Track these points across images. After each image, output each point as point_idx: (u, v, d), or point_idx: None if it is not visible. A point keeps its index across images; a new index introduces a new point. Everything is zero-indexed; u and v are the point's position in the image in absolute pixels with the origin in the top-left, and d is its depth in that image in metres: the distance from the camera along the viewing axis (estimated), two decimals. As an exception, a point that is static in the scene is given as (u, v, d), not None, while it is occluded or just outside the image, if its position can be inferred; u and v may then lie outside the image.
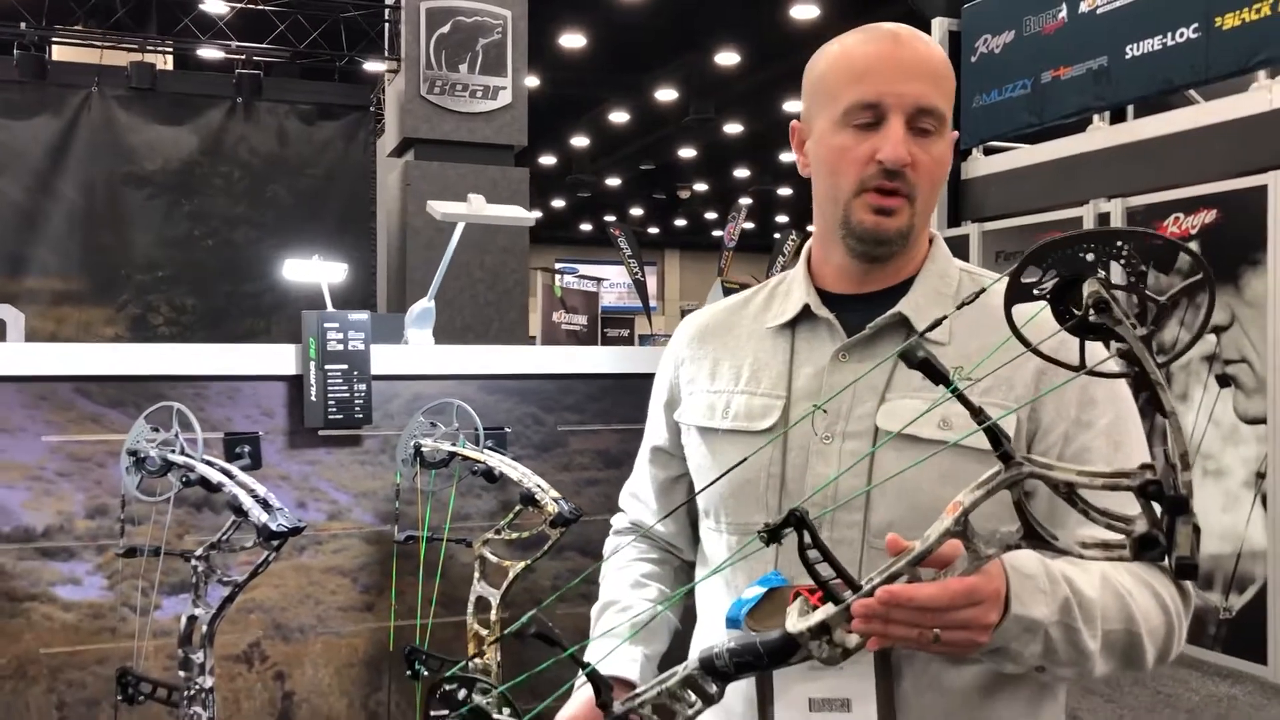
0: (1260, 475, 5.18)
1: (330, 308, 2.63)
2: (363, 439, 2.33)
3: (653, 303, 19.03)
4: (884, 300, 1.27)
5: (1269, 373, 4.22)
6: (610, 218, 22.53)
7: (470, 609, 2.17)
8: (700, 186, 22.89)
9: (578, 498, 2.44)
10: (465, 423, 2.28)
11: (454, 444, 2.22)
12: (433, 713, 1.15)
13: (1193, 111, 5.93)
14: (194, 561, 1.93)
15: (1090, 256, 0.85)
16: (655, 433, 1.47)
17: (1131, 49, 6.04)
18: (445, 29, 6.32)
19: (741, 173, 21.33)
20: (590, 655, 1.28)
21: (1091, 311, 0.84)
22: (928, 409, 1.15)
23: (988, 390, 1.19)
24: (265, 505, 1.91)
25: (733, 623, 1.13)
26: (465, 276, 6.24)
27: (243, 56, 7.11)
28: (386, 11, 7.18)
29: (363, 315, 2.28)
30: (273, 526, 1.87)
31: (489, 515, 2.40)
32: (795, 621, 0.96)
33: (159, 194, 7.12)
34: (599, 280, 15.97)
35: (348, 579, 2.32)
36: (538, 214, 2.93)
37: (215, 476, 1.95)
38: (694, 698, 1.04)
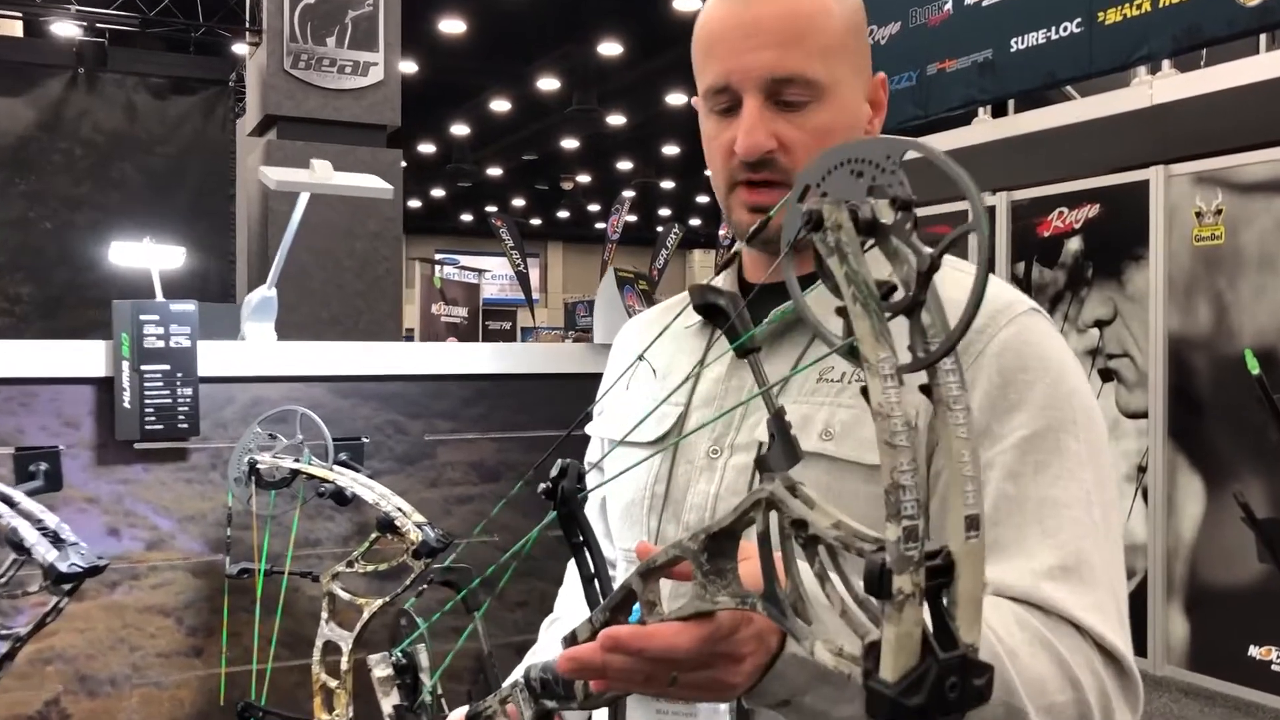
0: (1141, 469, 5.18)
1: (160, 299, 2.26)
2: (189, 453, 1.97)
3: (535, 295, 18.75)
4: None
5: (1150, 367, 4.19)
6: (492, 208, 22.15)
7: (317, 655, 1.83)
8: (583, 178, 22.71)
9: (448, 518, 2.13)
10: (312, 433, 1.94)
11: (297, 459, 1.88)
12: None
13: (1076, 106, 5.93)
14: (-37, 610, 1.56)
15: (862, 179, 0.64)
16: (591, 448, 1.33)
17: (1016, 42, 6.02)
18: (311, 0, 5.88)
19: (625, 165, 21.29)
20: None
21: (805, 230, 0.61)
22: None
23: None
24: (55, 540, 1.55)
25: None
26: (332, 265, 5.81)
27: (84, 23, 6.49)
28: (247, -20, 6.67)
29: (188, 306, 1.92)
30: (61, 567, 1.51)
31: (344, 541, 2.07)
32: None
33: (-12, 171, 6.47)
34: (480, 272, 15.63)
35: (171, 619, 1.96)
36: (391, 186, 2.60)
37: (-13, 505, 1.58)
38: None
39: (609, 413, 1.26)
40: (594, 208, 24.81)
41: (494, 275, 20.27)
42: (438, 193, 23.30)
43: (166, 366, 1.90)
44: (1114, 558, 0.97)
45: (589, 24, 13.07)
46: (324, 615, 1.84)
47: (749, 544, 0.71)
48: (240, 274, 6.64)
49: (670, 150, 19.65)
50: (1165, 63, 5.41)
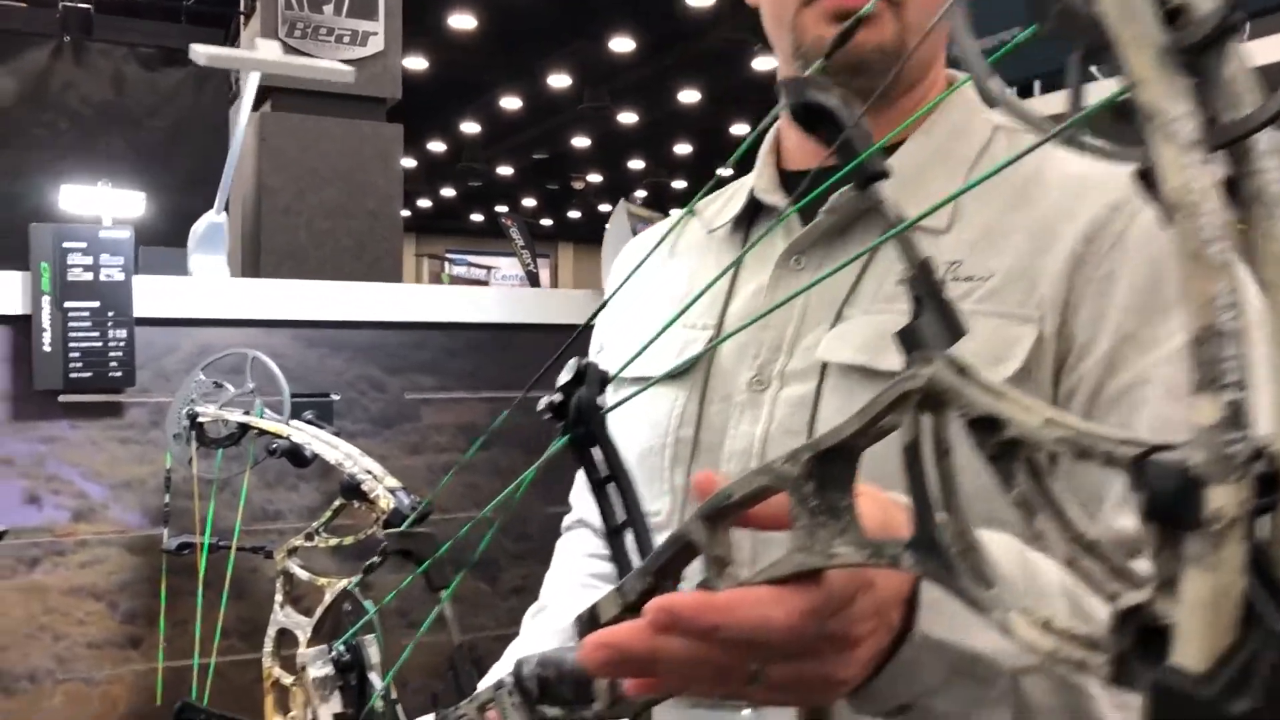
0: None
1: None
2: (124, 408, 1.67)
3: (545, 295, 18.55)
4: None
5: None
6: (502, 208, 21.97)
7: (269, 646, 1.53)
8: (595, 177, 22.53)
9: (432, 490, 1.83)
10: (267, 384, 1.63)
11: (247, 412, 1.58)
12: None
13: (1100, 86, 5.72)
14: None
15: None
16: None
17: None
18: (309, -33, 5.61)
19: (636, 164, 21.14)
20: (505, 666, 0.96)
21: None
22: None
23: (995, 292, 0.81)
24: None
25: None
26: (330, 244, 5.52)
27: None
28: (243, -52, 6.41)
29: (122, 233, 1.63)
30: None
31: (309, 513, 1.77)
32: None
33: (-34, 144, 6.19)
34: (489, 269, 15.43)
35: (103, 603, 1.66)
36: (351, 69, 2.37)
37: None
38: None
39: (610, 348, 1.05)
40: (605, 208, 24.63)
41: (504, 275, 20.15)
42: (448, 192, 23.11)
43: (95, 303, 1.60)
44: None
45: (600, 20, 12.87)
46: (279, 598, 1.54)
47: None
48: (234, 254, 6.35)
49: (682, 149, 19.44)
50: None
